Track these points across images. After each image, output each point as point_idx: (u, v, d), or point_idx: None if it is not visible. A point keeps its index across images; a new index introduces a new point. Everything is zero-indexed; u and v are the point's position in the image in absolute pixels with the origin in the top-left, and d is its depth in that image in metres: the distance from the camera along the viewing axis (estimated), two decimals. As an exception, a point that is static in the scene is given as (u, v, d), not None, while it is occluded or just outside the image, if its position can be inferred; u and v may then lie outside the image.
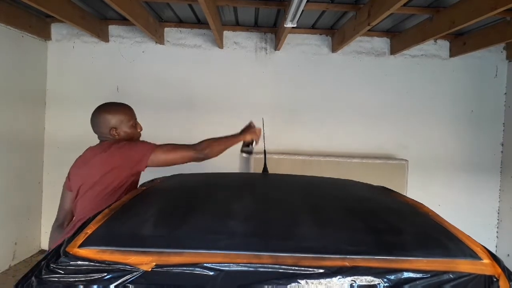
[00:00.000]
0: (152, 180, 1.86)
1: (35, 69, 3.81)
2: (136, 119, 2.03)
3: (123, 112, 1.95)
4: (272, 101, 4.00)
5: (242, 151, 2.05)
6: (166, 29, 3.96)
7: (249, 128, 2.05)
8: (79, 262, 0.95)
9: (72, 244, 1.02)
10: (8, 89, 3.41)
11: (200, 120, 4.00)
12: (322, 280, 0.92)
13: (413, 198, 1.61)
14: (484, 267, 1.00)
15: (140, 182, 1.90)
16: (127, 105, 2.02)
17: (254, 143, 2.01)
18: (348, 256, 0.98)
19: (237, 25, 3.92)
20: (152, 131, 4.03)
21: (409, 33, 3.62)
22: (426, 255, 1.01)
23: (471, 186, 4.05)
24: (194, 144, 1.89)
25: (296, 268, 0.94)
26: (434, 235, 1.15)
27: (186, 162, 1.85)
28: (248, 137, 2.03)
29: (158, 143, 1.86)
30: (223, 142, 1.96)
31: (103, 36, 3.85)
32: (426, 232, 1.19)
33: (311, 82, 4.02)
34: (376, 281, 0.93)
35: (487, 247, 1.12)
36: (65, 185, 1.94)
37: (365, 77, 4.03)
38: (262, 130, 2.83)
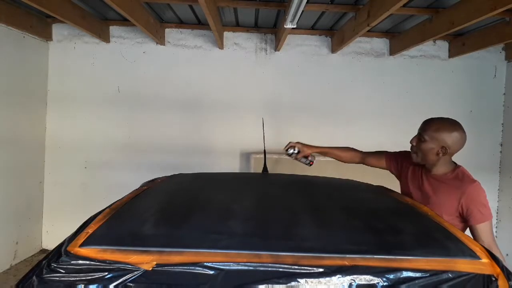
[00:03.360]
0: (153, 180, 1.86)
1: (37, 69, 3.82)
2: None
3: None
4: (272, 101, 4.01)
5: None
6: (166, 30, 3.97)
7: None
8: (80, 262, 0.96)
9: (73, 244, 1.03)
10: (9, 90, 3.41)
11: (201, 120, 4.01)
12: (321, 279, 0.93)
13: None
14: (483, 266, 1.00)
15: (140, 182, 1.90)
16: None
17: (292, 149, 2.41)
18: (347, 255, 0.99)
19: (237, 26, 3.93)
20: (153, 131, 4.05)
21: (408, 33, 3.63)
22: (425, 254, 1.02)
23: (471, 186, 4.05)
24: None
25: (296, 267, 0.94)
26: (433, 235, 1.16)
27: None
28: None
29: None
30: None
31: (104, 37, 3.86)
32: (425, 232, 1.19)
33: (310, 83, 4.03)
34: (375, 280, 0.93)
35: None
36: None
37: (365, 78, 4.04)
38: (262, 130, 2.84)
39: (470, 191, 1.65)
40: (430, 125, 1.76)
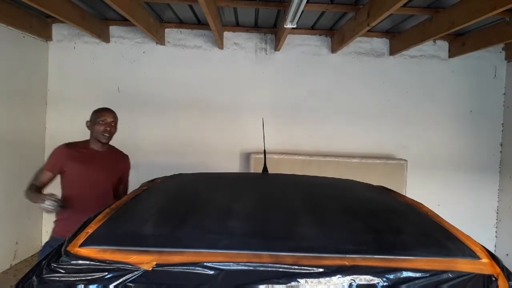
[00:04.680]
0: (153, 180, 1.86)
1: (36, 69, 3.82)
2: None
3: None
4: (272, 101, 4.01)
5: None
6: (166, 30, 3.97)
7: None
8: (80, 262, 0.96)
9: (73, 244, 1.03)
10: (9, 90, 3.41)
11: (201, 120, 4.01)
12: (321, 279, 0.93)
13: (412, 198, 1.62)
14: (483, 266, 1.00)
15: (140, 182, 1.90)
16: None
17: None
18: (347, 255, 0.99)
19: (237, 25, 3.93)
20: (153, 131, 4.05)
21: (408, 33, 3.63)
22: (425, 254, 1.02)
23: (470, 186, 4.05)
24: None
25: (296, 267, 0.94)
26: (434, 235, 1.16)
27: None
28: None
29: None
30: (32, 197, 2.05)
31: (104, 37, 3.86)
32: (425, 232, 1.19)
33: (310, 83, 4.02)
34: (375, 280, 0.93)
35: (486, 246, 1.13)
36: None
37: (365, 78, 4.03)
38: (262, 130, 2.84)
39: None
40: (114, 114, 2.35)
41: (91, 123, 2.30)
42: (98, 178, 2.21)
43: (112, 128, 2.29)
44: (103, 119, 2.27)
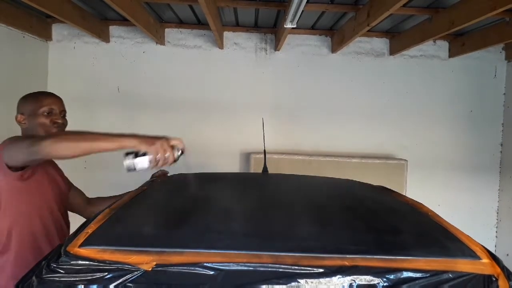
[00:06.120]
0: (153, 180, 1.86)
1: (36, 69, 3.81)
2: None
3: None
4: (272, 101, 4.01)
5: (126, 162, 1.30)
6: (166, 30, 3.97)
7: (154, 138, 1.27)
8: (80, 262, 0.96)
9: (73, 244, 1.03)
10: (8, 90, 3.40)
11: (200, 120, 4.01)
12: (322, 280, 0.93)
13: (412, 198, 1.62)
14: (483, 266, 1.00)
15: (140, 183, 1.90)
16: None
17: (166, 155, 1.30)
18: (347, 256, 0.99)
19: (237, 25, 3.93)
20: (153, 131, 4.04)
21: (408, 33, 3.63)
22: (425, 254, 1.02)
23: (471, 186, 4.05)
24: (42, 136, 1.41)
25: (296, 267, 0.94)
26: (434, 235, 1.16)
27: (30, 160, 1.39)
28: (144, 146, 1.31)
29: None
30: (88, 140, 1.31)
31: (104, 37, 3.86)
32: (425, 232, 1.19)
33: (310, 83, 4.03)
34: (375, 280, 0.94)
35: (486, 246, 1.13)
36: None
37: (365, 78, 4.04)
38: (262, 130, 2.84)
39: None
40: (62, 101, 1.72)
41: (28, 116, 1.63)
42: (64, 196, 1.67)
43: (63, 120, 1.65)
44: (49, 109, 1.61)
